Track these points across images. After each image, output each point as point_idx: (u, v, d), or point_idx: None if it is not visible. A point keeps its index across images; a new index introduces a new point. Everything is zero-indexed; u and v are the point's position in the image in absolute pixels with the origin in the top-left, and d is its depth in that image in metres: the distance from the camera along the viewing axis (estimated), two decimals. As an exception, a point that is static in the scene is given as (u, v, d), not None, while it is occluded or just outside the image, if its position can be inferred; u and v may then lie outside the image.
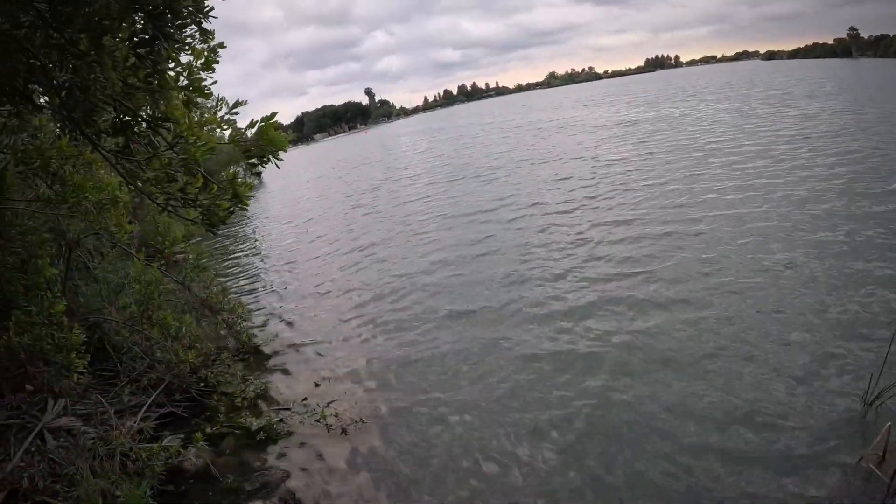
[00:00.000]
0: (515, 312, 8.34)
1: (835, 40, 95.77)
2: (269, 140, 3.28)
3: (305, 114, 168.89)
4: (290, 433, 6.22)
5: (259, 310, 10.79)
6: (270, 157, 3.35)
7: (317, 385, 7.27)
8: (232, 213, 3.54)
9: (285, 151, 3.33)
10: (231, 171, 3.59)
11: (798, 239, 9.30)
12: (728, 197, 12.44)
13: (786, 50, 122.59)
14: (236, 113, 3.32)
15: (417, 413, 6.26)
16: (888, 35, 76.83)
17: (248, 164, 3.45)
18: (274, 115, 3.31)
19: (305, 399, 6.89)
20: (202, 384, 7.12)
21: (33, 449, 5.02)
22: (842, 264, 8.10)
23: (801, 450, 4.73)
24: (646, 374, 6.25)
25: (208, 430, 6.26)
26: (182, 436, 6.10)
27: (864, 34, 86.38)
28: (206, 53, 3.36)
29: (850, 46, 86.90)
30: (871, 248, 8.49)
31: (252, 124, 3.50)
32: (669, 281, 8.45)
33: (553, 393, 6.19)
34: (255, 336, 8.98)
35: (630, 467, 4.90)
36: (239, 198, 3.47)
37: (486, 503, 4.76)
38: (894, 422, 4.47)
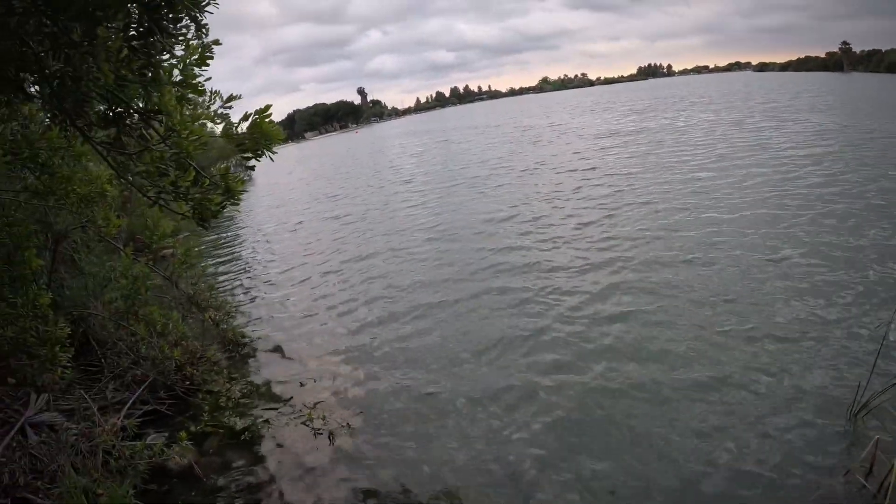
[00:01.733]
0: (510, 322, 8.24)
1: (826, 54, 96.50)
2: (263, 133, 3.25)
3: (297, 111, 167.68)
4: (275, 435, 6.15)
5: (246, 308, 10.71)
6: (264, 150, 3.31)
7: (302, 385, 7.22)
8: (224, 207, 3.50)
9: (280, 144, 3.30)
10: (222, 165, 3.56)
11: (796, 258, 9.29)
12: (742, 213, 12.39)
13: (777, 62, 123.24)
14: (230, 107, 3.26)
15: (406, 419, 6.20)
16: (880, 50, 77.54)
17: (241, 157, 3.42)
18: (269, 107, 3.27)
19: (291, 399, 6.83)
20: (187, 382, 7.04)
21: (14, 444, 4.95)
22: (831, 278, 8.19)
23: (789, 467, 4.66)
24: (626, 391, 6.19)
25: (192, 428, 6.20)
26: (166, 434, 6.04)
27: (857, 49, 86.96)
28: (199, 49, 3.33)
29: (841, 60, 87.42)
30: (865, 261, 8.60)
31: (245, 117, 3.46)
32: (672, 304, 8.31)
33: (541, 393, 6.21)
34: (242, 335, 8.91)
35: (611, 470, 4.93)
36: (231, 192, 3.43)
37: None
38: (881, 432, 4.50)
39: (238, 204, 3.60)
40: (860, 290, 7.68)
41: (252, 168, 3.75)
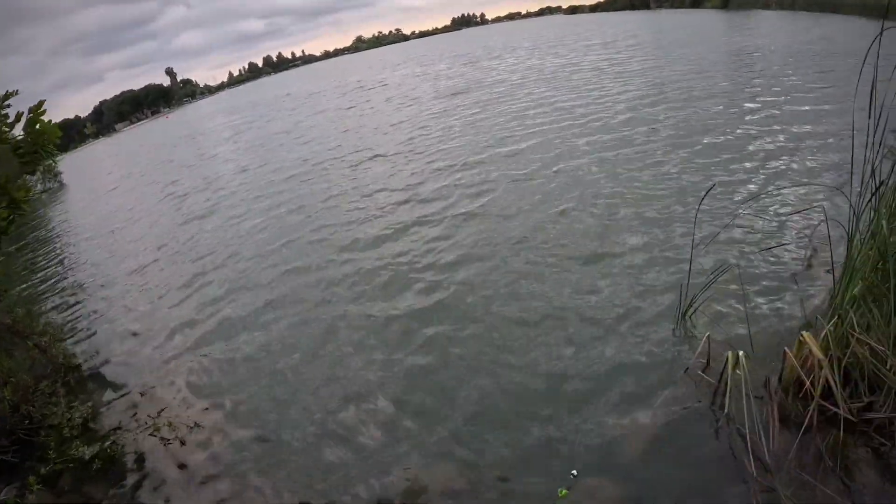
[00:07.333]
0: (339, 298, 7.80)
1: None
2: (39, 133, 2.91)
3: (104, 102, 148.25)
4: (125, 455, 5.75)
5: (73, 327, 9.61)
6: (43, 153, 2.96)
7: (142, 395, 6.76)
8: (12, 221, 3.11)
9: (58, 142, 2.96)
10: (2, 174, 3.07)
11: (607, 174, 9.85)
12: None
13: (587, 4, 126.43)
14: (8, 105, 2.79)
15: (252, 405, 5.94)
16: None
17: (20, 163, 3.03)
18: (42, 103, 2.93)
19: (135, 414, 6.39)
20: (27, 421, 6.29)
21: None
22: (644, 192, 8.76)
23: (632, 374, 4.96)
24: (463, 314, 6.38)
25: (42, 471, 5.60)
26: (18, 484, 5.42)
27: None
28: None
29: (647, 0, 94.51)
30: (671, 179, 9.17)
31: (18, 117, 3.06)
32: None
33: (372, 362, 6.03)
34: (73, 355, 8.05)
35: (456, 399, 5.04)
36: (16, 203, 3.05)
37: (343, 492, 4.47)
38: (709, 328, 4.93)
39: (25, 213, 3.19)
40: (672, 204, 8.18)
41: (58, 174, 3.34)
